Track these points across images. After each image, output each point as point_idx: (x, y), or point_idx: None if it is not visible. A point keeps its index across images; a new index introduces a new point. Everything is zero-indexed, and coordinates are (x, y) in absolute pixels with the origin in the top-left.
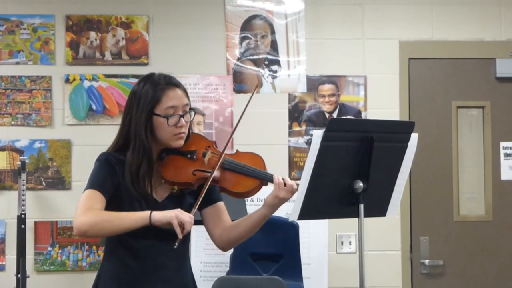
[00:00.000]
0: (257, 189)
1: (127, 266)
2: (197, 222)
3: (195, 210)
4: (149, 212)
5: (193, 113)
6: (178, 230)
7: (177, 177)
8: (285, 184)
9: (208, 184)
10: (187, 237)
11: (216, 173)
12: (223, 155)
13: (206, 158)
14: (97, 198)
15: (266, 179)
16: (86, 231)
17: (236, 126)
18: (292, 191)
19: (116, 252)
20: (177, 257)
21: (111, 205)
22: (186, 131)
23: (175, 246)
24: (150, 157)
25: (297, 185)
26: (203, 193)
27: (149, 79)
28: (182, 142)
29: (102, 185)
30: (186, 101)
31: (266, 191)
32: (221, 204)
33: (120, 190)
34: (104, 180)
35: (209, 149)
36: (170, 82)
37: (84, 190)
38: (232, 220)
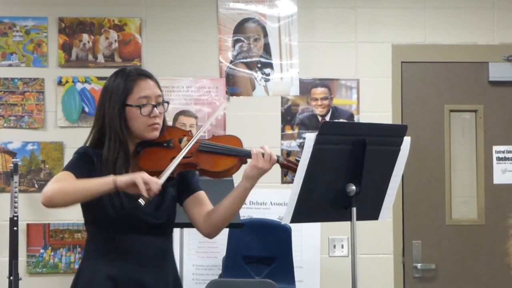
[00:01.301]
0: (237, 166)
1: (110, 260)
2: (189, 224)
3: (165, 178)
4: (112, 175)
5: (166, 104)
6: (142, 186)
7: (155, 166)
8: (263, 155)
9: (181, 156)
10: (170, 232)
11: (193, 158)
12: (197, 137)
13: (182, 144)
14: (70, 178)
15: (244, 155)
16: (51, 198)
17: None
18: (271, 161)
19: (98, 249)
20: (160, 252)
21: (90, 203)
22: (161, 123)
23: (142, 203)
24: (126, 149)
25: (277, 156)
26: (176, 162)
27: (120, 72)
28: (157, 133)
29: (78, 170)
30: (158, 92)
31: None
32: (201, 193)
33: None
34: (80, 168)
35: (185, 137)
36: (141, 73)
37: (63, 170)
38: None
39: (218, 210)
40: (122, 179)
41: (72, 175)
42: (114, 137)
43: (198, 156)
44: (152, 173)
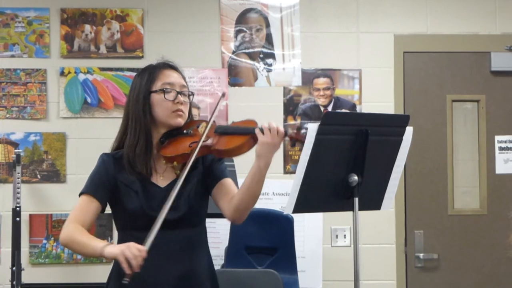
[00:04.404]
0: (248, 143)
1: None
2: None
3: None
4: (102, 244)
5: (191, 96)
6: (124, 265)
7: (173, 151)
8: (270, 130)
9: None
10: (196, 222)
11: (209, 140)
12: (212, 121)
13: (200, 128)
14: (88, 205)
15: (252, 131)
16: (65, 245)
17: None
18: (279, 135)
19: None
20: (188, 244)
21: (113, 199)
22: (186, 111)
23: (125, 282)
24: (148, 135)
25: (285, 130)
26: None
27: (148, 67)
28: (181, 120)
29: (96, 188)
30: (183, 82)
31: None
32: (227, 180)
33: (117, 185)
34: (98, 183)
35: (203, 122)
36: (167, 64)
37: (81, 193)
38: None
39: (237, 194)
40: (109, 250)
41: (92, 201)
42: (135, 123)
43: (214, 138)
44: (170, 159)
